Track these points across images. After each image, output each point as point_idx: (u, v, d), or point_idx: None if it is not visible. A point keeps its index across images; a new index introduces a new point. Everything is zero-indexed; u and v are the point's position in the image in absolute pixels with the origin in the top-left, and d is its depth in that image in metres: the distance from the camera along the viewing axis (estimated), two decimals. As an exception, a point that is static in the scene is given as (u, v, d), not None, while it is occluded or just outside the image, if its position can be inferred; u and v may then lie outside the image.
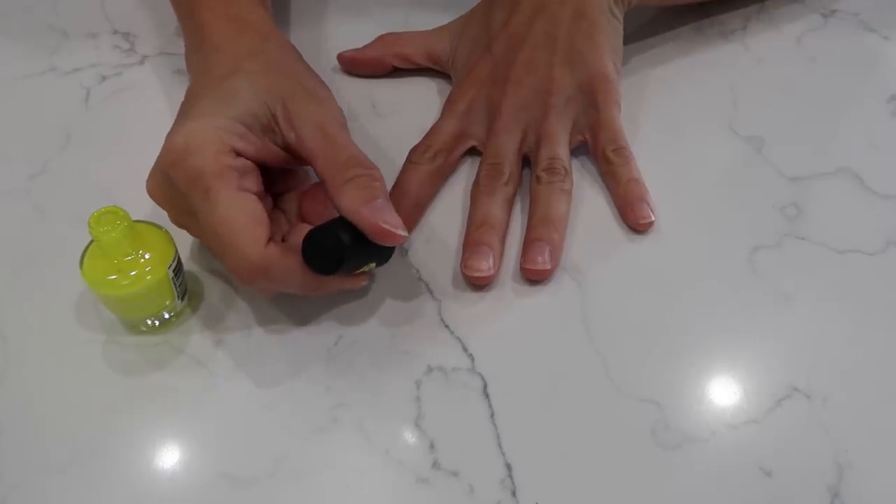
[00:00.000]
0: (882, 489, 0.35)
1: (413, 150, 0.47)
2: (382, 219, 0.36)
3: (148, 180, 0.39)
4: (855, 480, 0.35)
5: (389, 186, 0.45)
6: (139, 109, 0.51)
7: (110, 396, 0.38)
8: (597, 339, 0.40)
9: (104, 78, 0.52)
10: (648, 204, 0.44)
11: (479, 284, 0.42)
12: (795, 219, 0.45)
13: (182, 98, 0.41)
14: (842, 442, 0.36)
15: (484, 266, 0.41)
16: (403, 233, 0.37)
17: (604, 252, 0.43)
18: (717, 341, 0.40)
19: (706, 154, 0.49)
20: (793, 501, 0.35)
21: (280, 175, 0.41)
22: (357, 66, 0.53)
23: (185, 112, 0.39)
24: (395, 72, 0.53)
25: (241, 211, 0.36)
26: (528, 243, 0.43)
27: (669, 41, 0.55)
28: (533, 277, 0.42)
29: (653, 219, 0.44)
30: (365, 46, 0.53)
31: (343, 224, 0.37)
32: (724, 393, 0.38)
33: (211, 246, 0.38)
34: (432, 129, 0.48)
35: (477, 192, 0.45)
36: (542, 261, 0.42)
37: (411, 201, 0.45)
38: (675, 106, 0.51)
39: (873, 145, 0.49)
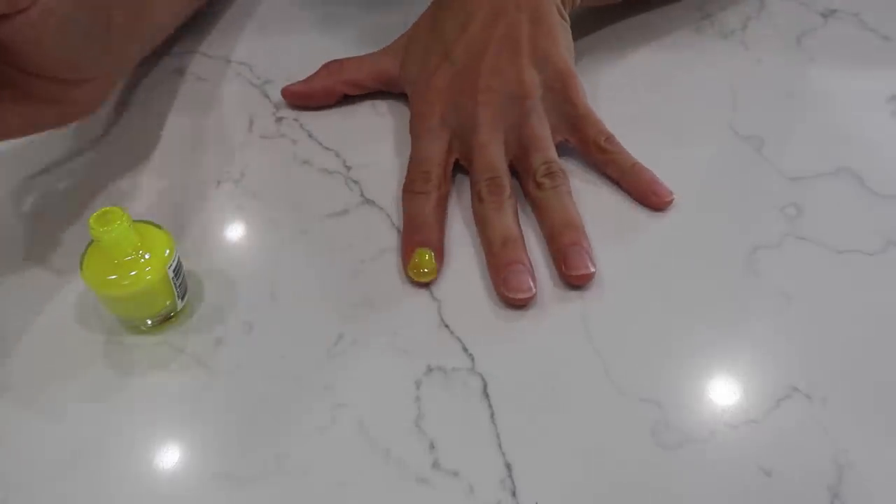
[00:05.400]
0: (882, 489, 0.35)
1: (412, 181, 0.45)
2: None
3: None
4: (855, 480, 0.35)
5: (390, 188, 0.45)
6: (139, 109, 0.51)
7: (110, 396, 0.38)
8: (596, 339, 0.40)
9: (104, 78, 0.52)
10: (661, 182, 0.45)
11: (521, 305, 0.41)
12: (795, 219, 0.45)
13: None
14: (842, 442, 0.36)
15: (525, 285, 0.41)
16: None
17: (603, 251, 0.43)
18: (717, 341, 0.40)
19: (706, 154, 0.49)
20: (793, 501, 0.35)
21: None
22: (305, 98, 0.51)
23: None
24: (344, 99, 0.51)
25: None
26: (562, 249, 0.42)
27: (668, 41, 0.55)
28: (581, 283, 0.41)
29: (673, 196, 0.45)
30: (310, 78, 0.51)
31: None
32: (724, 393, 0.38)
33: None
34: (418, 154, 0.46)
35: (485, 211, 0.44)
36: (586, 265, 0.41)
37: (436, 231, 0.43)
38: (674, 106, 0.51)
39: (873, 145, 0.49)
